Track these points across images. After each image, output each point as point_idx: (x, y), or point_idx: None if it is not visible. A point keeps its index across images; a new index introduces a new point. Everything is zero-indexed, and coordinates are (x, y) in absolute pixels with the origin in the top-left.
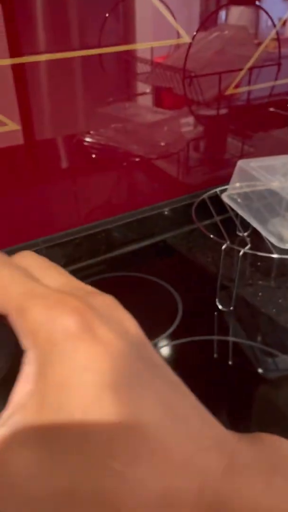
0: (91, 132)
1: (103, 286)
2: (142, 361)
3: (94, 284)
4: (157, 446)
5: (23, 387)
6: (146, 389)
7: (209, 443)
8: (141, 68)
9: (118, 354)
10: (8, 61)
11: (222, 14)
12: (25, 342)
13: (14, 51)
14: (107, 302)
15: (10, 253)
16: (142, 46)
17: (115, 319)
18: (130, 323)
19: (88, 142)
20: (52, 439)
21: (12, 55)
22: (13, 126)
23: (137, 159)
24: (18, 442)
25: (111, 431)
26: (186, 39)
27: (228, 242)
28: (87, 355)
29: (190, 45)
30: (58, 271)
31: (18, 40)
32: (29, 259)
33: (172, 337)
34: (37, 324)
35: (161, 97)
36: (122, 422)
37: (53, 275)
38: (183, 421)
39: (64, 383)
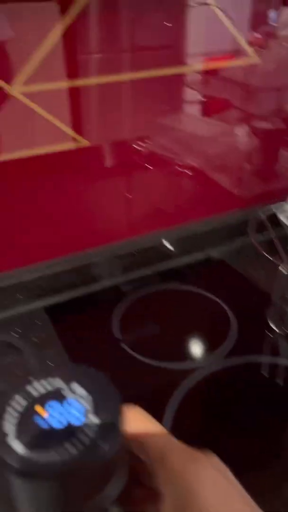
0: (145, 141)
1: (157, 298)
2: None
3: (150, 296)
4: None
5: None
6: None
7: None
8: (197, 78)
9: (237, 492)
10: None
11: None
12: (163, 486)
13: (72, 73)
14: (216, 460)
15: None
16: (202, 67)
17: (222, 470)
18: (230, 473)
19: (141, 151)
20: None
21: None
22: (84, 142)
23: (189, 170)
24: None
25: None
26: (254, 59)
27: (284, 263)
28: (217, 496)
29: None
30: None
31: (76, 64)
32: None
33: (224, 354)
34: (175, 473)
35: (215, 108)
36: None
37: None
38: None
39: None
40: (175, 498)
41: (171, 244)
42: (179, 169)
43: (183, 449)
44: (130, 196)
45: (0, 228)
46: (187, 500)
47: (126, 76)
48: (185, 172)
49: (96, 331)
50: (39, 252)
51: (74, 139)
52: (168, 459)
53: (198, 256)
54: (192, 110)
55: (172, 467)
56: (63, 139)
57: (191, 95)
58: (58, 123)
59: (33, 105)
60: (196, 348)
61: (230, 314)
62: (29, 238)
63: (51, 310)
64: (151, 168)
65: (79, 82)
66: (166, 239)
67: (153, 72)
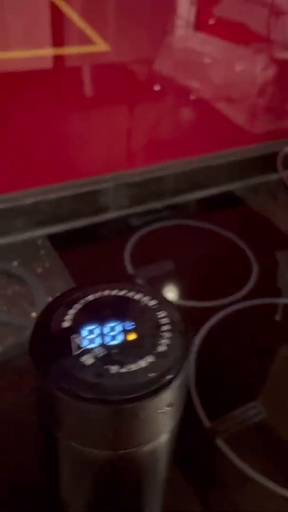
0: (157, 62)
1: (170, 233)
2: None
3: (162, 231)
4: None
5: None
6: None
7: None
8: None
9: None
10: None
11: None
12: None
13: None
14: None
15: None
16: None
17: None
18: None
19: (151, 73)
20: None
21: None
22: (102, 46)
23: (203, 98)
24: None
25: None
26: None
27: None
28: None
29: None
30: None
31: None
32: None
33: (243, 295)
34: None
35: (234, 31)
36: None
37: None
38: None
39: None
40: None
41: (183, 177)
42: (190, 97)
43: None
44: (135, 125)
45: None
46: None
47: None
48: (197, 100)
49: (107, 264)
50: (38, 175)
51: (91, 42)
52: None
53: (213, 191)
54: (206, 30)
55: None
56: (79, 40)
57: (206, 14)
58: (76, 19)
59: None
60: (214, 287)
61: (249, 254)
62: (27, 159)
63: (55, 239)
64: (159, 90)
65: None
66: (176, 171)
67: None
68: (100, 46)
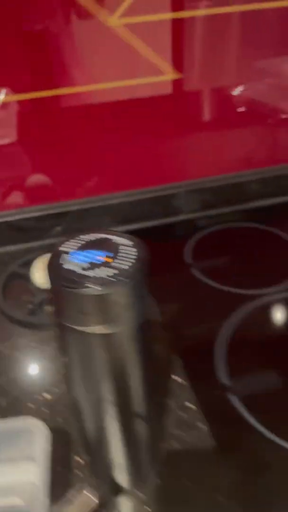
0: (243, 85)
1: (233, 234)
2: None
3: (226, 231)
4: None
5: None
6: None
7: None
8: None
9: None
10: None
11: None
12: None
13: (176, 5)
14: None
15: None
16: None
17: None
18: None
19: (238, 95)
20: None
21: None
22: (174, 75)
23: (284, 117)
24: None
25: None
26: None
27: None
28: None
29: None
30: None
31: None
32: None
33: None
34: None
35: None
36: None
37: None
38: None
39: None
40: None
41: (256, 185)
42: (273, 115)
43: None
44: (219, 138)
45: (89, 156)
46: None
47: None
48: (279, 118)
49: (169, 257)
50: (123, 181)
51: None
52: None
53: (284, 199)
54: None
55: None
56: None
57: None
58: (156, 58)
59: (132, 38)
60: (265, 280)
61: None
62: (114, 168)
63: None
64: (242, 111)
65: (184, 14)
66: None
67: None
68: (171, 75)
